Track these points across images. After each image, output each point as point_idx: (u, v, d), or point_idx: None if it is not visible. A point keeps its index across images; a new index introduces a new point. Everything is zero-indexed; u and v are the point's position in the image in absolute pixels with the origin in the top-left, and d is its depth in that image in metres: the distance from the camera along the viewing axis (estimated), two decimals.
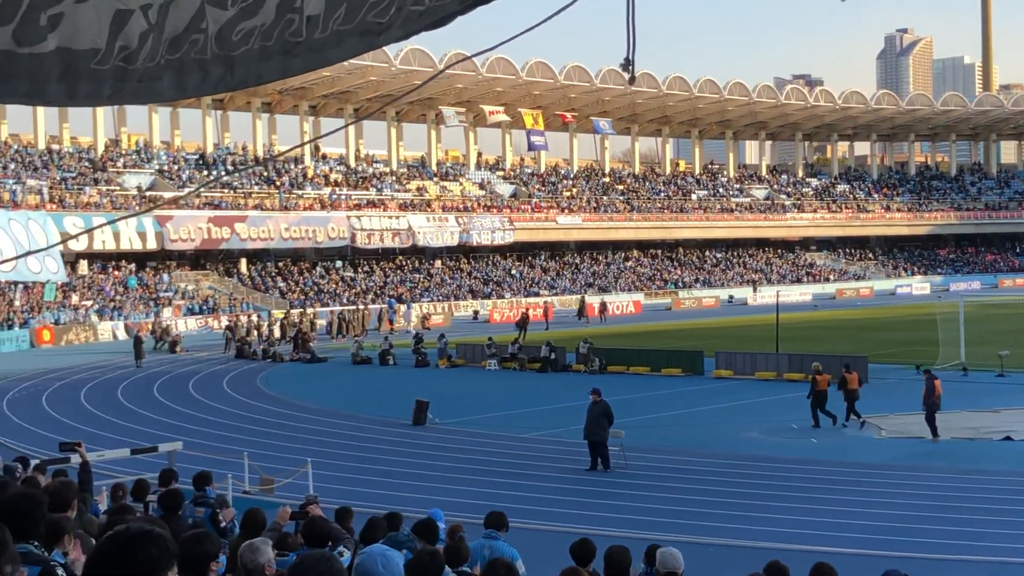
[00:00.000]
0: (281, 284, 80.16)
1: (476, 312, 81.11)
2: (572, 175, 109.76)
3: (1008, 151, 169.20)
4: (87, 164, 79.51)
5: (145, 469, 20.88)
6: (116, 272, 73.27)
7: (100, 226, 62.30)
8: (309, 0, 3.90)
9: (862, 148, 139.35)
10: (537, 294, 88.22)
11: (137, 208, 72.82)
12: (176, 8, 3.81)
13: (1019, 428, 28.16)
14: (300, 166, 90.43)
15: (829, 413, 30.08)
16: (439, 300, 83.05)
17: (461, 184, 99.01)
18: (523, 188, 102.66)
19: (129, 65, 3.88)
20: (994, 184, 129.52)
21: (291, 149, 71.49)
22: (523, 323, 61.43)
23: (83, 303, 67.60)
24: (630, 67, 3.95)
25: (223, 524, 11.41)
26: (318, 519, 9.83)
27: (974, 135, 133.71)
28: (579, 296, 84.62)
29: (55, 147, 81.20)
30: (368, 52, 4.23)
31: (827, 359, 37.32)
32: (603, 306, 77.73)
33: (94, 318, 66.43)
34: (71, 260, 69.29)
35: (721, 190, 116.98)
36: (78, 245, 68.64)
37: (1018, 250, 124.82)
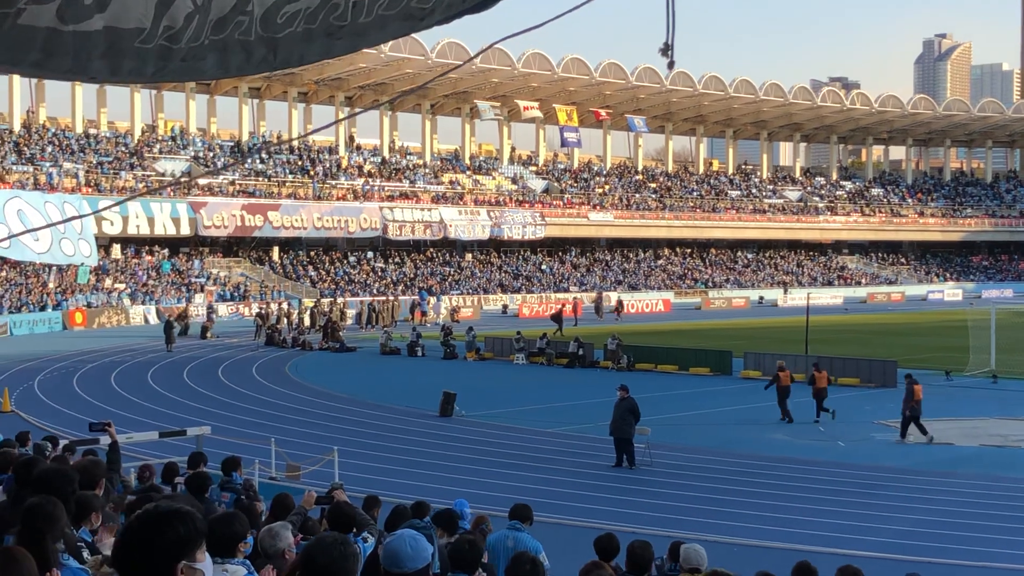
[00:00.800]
0: (312, 273, 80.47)
1: (505, 306, 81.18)
2: (605, 172, 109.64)
3: None
4: (123, 149, 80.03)
5: (173, 452, 21.05)
6: (149, 257, 73.76)
7: (120, 202, 62.71)
8: None
9: (897, 152, 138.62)
10: (567, 290, 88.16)
11: (170, 192, 73.24)
12: None
13: None
14: (334, 156, 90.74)
15: (786, 411, 31.10)
16: (469, 293, 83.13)
17: (494, 178, 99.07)
18: (555, 184, 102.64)
19: (173, 45, 3.91)
20: None
21: (313, 131, 71.93)
22: (558, 317, 61.54)
23: (116, 287, 68.08)
24: (669, 51, 3.95)
25: None
26: (343, 504, 9.89)
27: (1011, 142, 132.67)
28: (596, 292, 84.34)
29: (92, 131, 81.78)
30: (410, 34, 4.25)
31: (853, 362, 37.84)
32: (619, 303, 77.45)
33: (126, 302, 66.88)
34: (104, 244, 69.73)
35: (754, 191, 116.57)
36: (112, 229, 69.11)
37: None
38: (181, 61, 3.94)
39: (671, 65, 4.00)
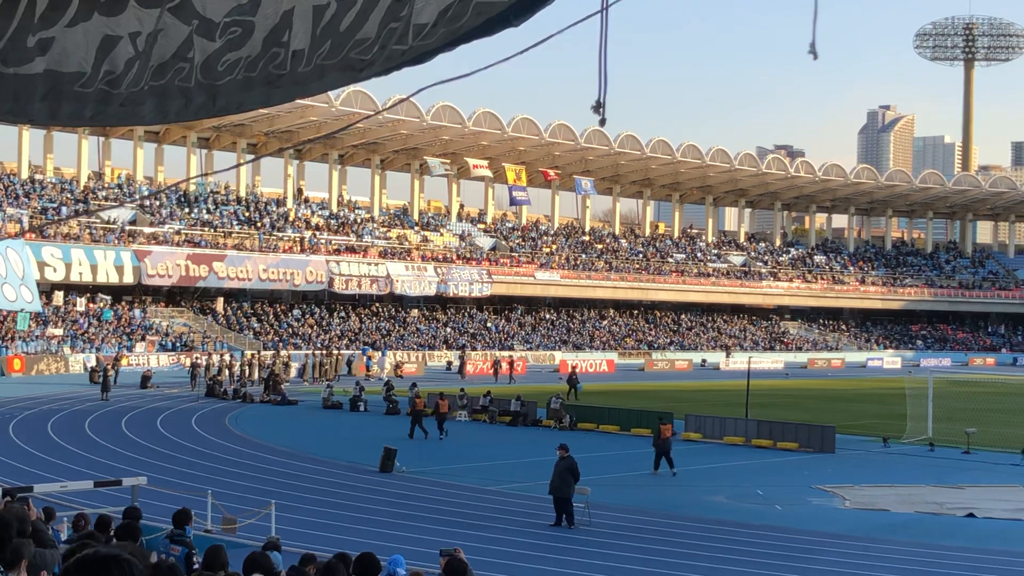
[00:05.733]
0: (256, 325, 79.91)
1: (449, 363, 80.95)
2: (552, 232, 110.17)
3: (984, 231, 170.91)
4: (69, 195, 79.38)
5: (108, 502, 20.76)
6: (91, 304, 72.92)
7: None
8: (296, 35, 3.98)
9: (840, 220, 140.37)
10: (511, 348, 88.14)
11: (115, 240, 72.67)
12: (164, 37, 3.88)
13: (982, 505, 28.26)
14: (282, 208, 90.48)
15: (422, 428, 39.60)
16: (413, 349, 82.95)
17: (442, 235, 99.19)
18: (503, 242, 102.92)
19: (113, 89, 3.94)
20: (968, 263, 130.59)
21: (225, 169, 71.80)
22: (572, 380, 58.81)
23: (55, 333, 67.25)
24: (601, 109, 4.04)
25: (196, 566, 11.34)
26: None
27: (951, 213, 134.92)
28: (460, 351, 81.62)
29: (38, 177, 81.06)
30: (349, 85, 4.31)
31: (792, 427, 38.40)
32: (495, 363, 73.37)
33: (66, 349, 66.07)
34: (46, 290, 68.94)
35: (699, 254, 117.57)
36: (55, 275, 68.37)
37: (989, 329, 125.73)
38: (120, 106, 3.97)
39: (603, 122, 4.10)
